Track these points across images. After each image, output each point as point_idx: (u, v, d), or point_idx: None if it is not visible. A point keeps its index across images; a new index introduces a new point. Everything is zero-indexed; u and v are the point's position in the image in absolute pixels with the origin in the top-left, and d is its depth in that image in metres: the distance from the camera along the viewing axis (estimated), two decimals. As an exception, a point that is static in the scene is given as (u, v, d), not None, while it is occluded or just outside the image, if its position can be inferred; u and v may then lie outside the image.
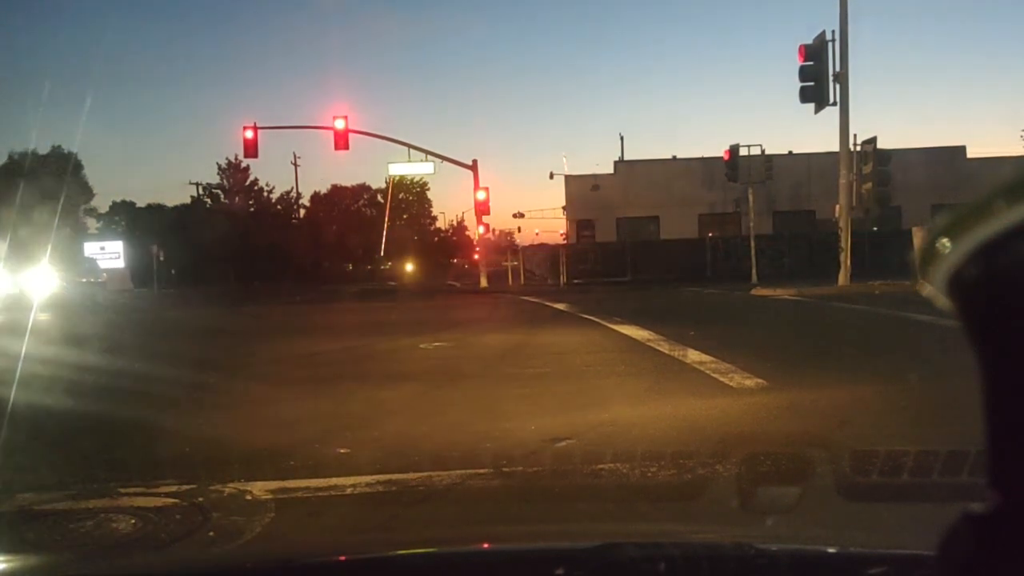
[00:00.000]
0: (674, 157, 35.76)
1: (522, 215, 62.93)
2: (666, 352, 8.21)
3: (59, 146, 48.95)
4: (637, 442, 4.47)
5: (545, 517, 3.53)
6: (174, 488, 3.83)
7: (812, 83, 17.58)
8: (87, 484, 4.01)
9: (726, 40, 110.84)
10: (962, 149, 32.49)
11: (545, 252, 37.22)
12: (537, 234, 61.68)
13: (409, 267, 64.49)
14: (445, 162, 28.53)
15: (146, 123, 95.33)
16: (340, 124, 26.29)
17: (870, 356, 7.72)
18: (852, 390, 5.84)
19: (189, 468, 4.22)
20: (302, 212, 60.24)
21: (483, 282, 28.36)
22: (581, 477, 4.02)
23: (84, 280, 24.96)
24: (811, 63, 17.51)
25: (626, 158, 38.51)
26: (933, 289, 0.62)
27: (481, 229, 31.69)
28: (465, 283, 33.90)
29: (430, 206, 70.90)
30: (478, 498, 3.74)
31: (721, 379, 6.44)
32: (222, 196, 51.31)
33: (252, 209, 50.67)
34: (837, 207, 17.87)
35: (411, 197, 68.33)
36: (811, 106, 17.71)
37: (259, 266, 45.24)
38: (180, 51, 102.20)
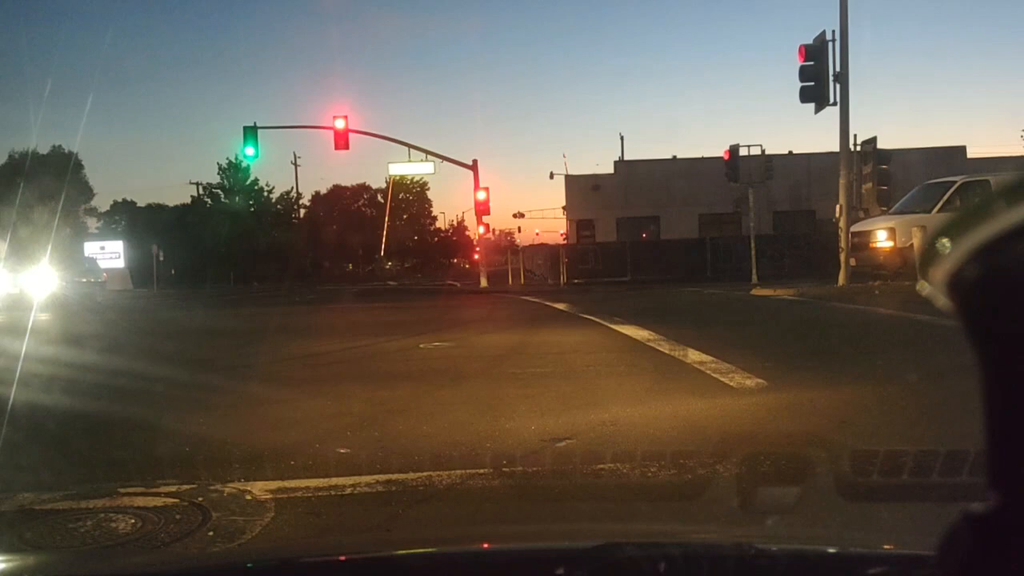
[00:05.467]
0: (674, 157, 35.76)
1: (522, 215, 63.26)
2: (666, 352, 8.20)
3: (59, 146, 49.11)
4: (637, 442, 4.47)
5: (545, 517, 3.53)
6: (174, 488, 3.83)
7: (812, 83, 17.55)
8: (87, 484, 4.01)
9: (726, 40, 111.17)
10: (962, 149, 32.53)
11: (545, 252, 37.22)
12: (537, 234, 61.87)
13: (409, 267, 64.58)
14: (445, 162, 28.51)
15: (146, 123, 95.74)
16: (340, 124, 26.27)
17: (870, 356, 7.72)
18: (852, 390, 5.84)
19: (189, 468, 4.22)
20: (302, 212, 60.28)
21: (483, 282, 28.34)
22: (581, 477, 4.02)
23: (84, 280, 24.96)
24: (811, 63, 17.48)
25: (626, 158, 38.55)
26: (933, 289, 0.62)
27: (481, 229, 31.65)
28: (465, 283, 33.89)
29: (430, 206, 71.03)
30: (478, 498, 3.74)
31: (721, 379, 6.44)
32: (222, 196, 51.28)
33: (252, 209, 50.64)
34: (837, 207, 17.85)
35: (411, 197, 68.39)
36: (811, 106, 17.68)
37: (259, 266, 45.23)
38: (180, 51, 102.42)
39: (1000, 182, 0.59)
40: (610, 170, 36.24)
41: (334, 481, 3.90)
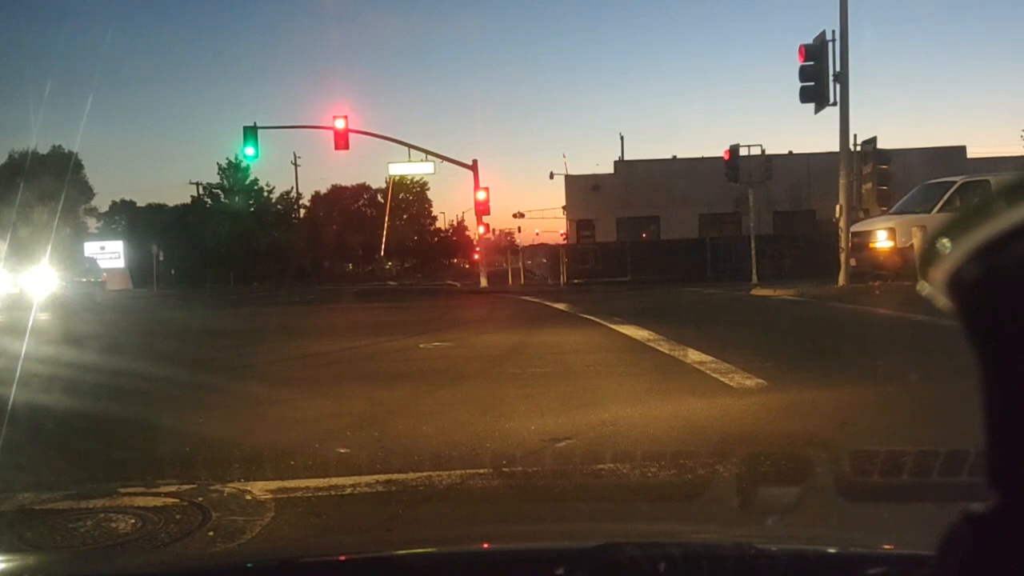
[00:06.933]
0: (674, 157, 35.76)
1: (522, 215, 63.31)
2: (666, 352, 8.20)
3: (59, 146, 49.11)
4: (637, 442, 4.47)
5: (545, 517, 3.53)
6: (174, 488, 3.83)
7: (812, 83, 17.54)
8: (87, 484, 4.01)
9: (726, 40, 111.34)
10: (962, 149, 32.51)
11: (545, 252, 37.24)
12: (537, 234, 61.93)
13: (409, 267, 64.61)
14: (445, 162, 28.51)
15: (146, 123, 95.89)
16: (340, 124, 26.28)
17: (870, 356, 7.72)
18: (852, 390, 5.83)
19: (189, 468, 4.22)
20: (302, 212, 60.29)
21: (483, 282, 28.35)
22: (581, 477, 4.02)
23: (84, 280, 24.92)
24: (811, 63, 17.47)
25: (626, 158, 38.55)
26: (933, 289, 0.62)
27: (481, 229, 31.67)
28: (465, 283, 33.89)
29: (430, 206, 71.10)
30: (478, 498, 3.74)
31: (721, 379, 6.44)
32: (222, 196, 51.28)
33: (252, 209, 50.64)
34: (837, 207, 17.85)
35: (411, 197, 68.43)
36: (811, 106, 17.69)
37: (259, 266, 45.26)
38: (180, 51, 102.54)
39: (1000, 182, 0.59)
40: (610, 170, 36.23)
41: (334, 481, 3.90)
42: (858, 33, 31.36)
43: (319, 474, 4.03)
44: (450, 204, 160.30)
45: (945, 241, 0.59)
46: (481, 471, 4.04)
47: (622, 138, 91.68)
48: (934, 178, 19.33)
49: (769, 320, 12.55)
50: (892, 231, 17.50)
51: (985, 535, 0.60)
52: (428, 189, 68.97)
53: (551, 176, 55.21)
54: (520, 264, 35.32)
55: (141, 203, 56.72)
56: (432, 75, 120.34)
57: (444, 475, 3.91)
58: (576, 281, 28.15)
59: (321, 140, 58.46)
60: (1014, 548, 0.59)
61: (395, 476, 3.97)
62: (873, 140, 21.41)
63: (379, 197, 65.13)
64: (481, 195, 28.48)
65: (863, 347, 8.67)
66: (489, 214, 30.06)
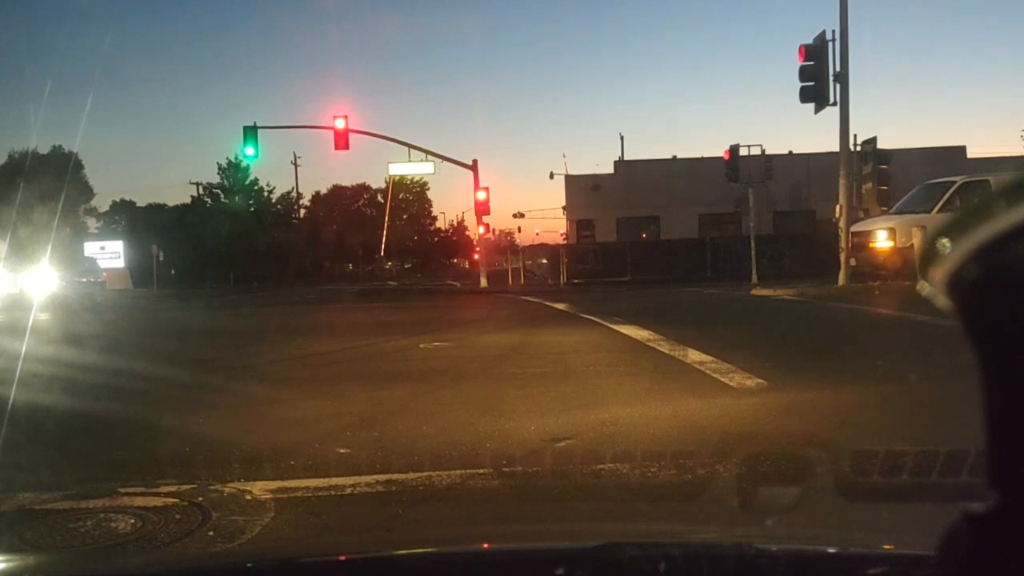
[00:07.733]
0: (674, 157, 35.76)
1: (522, 215, 63.39)
2: (666, 352, 8.20)
3: (59, 146, 49.13)
4: (637, 442, 4.47)
5: (545, 517, 3.53)
6: (174, 488, 3.83)
7: (812, 83, 17.54)
8: (87, 484, 4.00)
9: (726, 40, 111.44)
10: (962, 149, 32.51)
11: (545, 252, 37.29)
12: (537, 234, 61.99)
13: (409, 267, 64.65)
14: (445, 162, 28.51)
15: (146, 123, 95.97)
16: (340, 124, 26.28)
17: (870, 356, 7.72)
18: (852, 390, 5.83)
19: (189, 468, 4.22)
20: (302, 212, 60.30)
21: (483, 282, 28.35)
22: (581, 477, 4.02)
23: (84, 280, 24.90)
24: (811, 63, 17.47)
25: (626, 158, 38.56)
26: (933, 289, 0.62)
27: (481, 229, 31.69)
28: (465, 283, 33.90)
29: (430, 206, 71.13)
30: (478, 498, 3.74)
31: (721, 379, 6.44)
32: (222, 196, 51.28)
33: (252, 209, 50.65)
34: (837, 207, 17.84)
35: (411, 197, 68.44)
36: (811, 106, 17.69)
37: (259, 266, 45.28)
38: (180, 51, 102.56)
39: (1000, 182, 0.59)
40: (610, 170, 36.23)
41: (334, 481, 3.90)
42: (858, 33, 31.43)
43: (319, 474, 4.03)
44: (450, 204, 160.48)
45: (945, 241, 0.59)
46: (481, 471, 4.04)
47: (622, 138, 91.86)
48: (934, 178, 19.32)
49: (769, 320, 12.54)
50: (892, 231, 17.50)
51: (985, 535, 0.60)
52: (428, 189, 69.07)
53: (551, 176, 55.24)
54: (520, 264, 35.35)
55: (141, 203, 56.80)
56: (432, 75, 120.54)
57: (444, 475, 3.91)
58: (576, 281, 28.14)
59: (321, 140, 58.45)
60: (1014, 548, 0.59)
61: (395, 476, 3.97)
62: (873, 140, 21.40)
63: (379, 197, 65.17)
64: (481, 195, 28.48)
65: (863, 347, 8.67)
66: (489, 214, 30.10)
